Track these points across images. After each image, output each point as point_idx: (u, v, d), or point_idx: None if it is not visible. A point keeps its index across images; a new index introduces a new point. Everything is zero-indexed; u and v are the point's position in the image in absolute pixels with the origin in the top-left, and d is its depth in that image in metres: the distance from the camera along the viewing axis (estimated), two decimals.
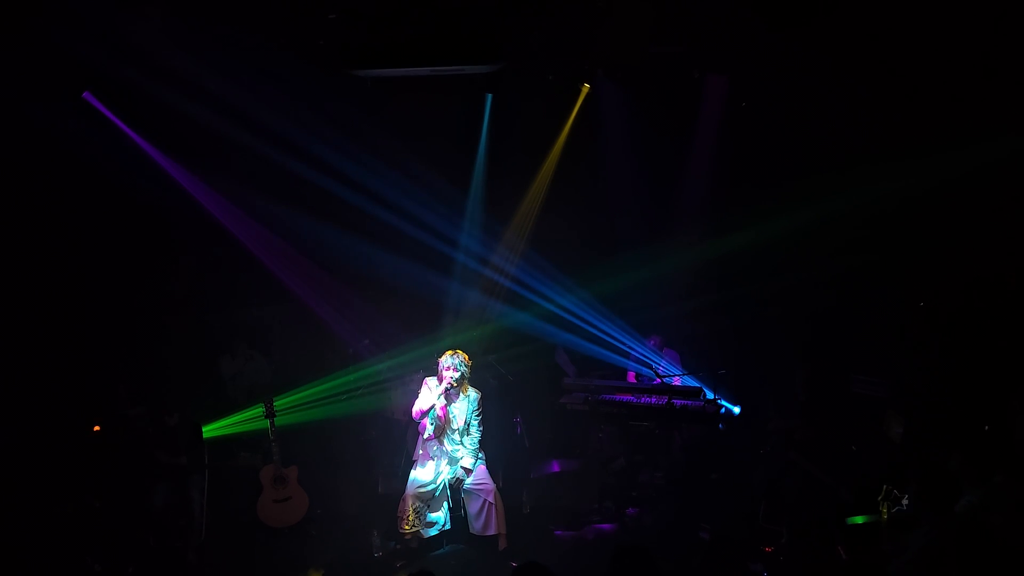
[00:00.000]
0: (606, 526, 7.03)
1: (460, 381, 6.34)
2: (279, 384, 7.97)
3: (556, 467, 8.00)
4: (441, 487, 6.37)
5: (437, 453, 6.39)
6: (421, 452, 6.44)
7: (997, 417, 6.04)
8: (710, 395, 7.13)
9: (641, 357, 8.12)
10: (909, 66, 6.90)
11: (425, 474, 6.34)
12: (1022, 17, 6.19)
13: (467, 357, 6.41)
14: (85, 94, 7.32)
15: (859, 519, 5.41)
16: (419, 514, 6.26)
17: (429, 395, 6.32)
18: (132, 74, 7.15)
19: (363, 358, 8.25)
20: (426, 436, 6.38)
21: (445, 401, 6.35)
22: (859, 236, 7.60)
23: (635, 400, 7.29)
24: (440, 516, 6.39)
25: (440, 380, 6.31)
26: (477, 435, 6.45)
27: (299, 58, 7.28)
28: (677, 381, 7.51)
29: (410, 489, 6.32)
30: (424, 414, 6.31)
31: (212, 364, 8.43)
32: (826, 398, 7.32)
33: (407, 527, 6.25)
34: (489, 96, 8.44)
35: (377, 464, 7.71)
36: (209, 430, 7.17)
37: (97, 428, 7.02)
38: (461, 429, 6.40)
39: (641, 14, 6.75)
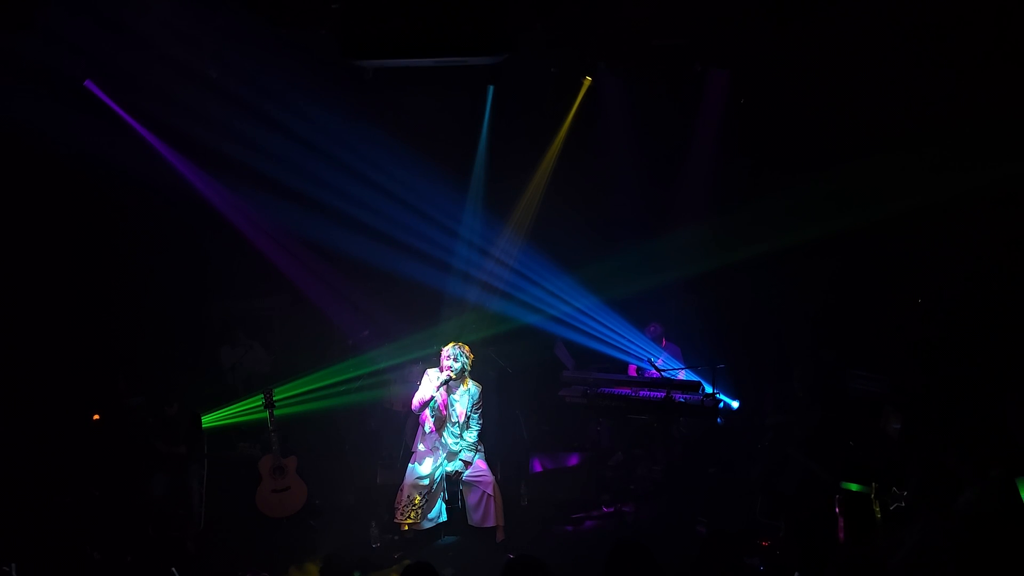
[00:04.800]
0: (603, 519, 7.05)
1: (460, 373, 6.34)
2: (278, 374, 7.98)
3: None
4: (439, 479, 6.39)
5: (436, 446, 6.41)
6: (420, 444, 6.45)
7: (994, 412, 6.05)
8: (709, 389, 7.14)
9: (641, 352, 8.13)
10: (909, 59, 6.90)
11: (424, 466, 6.35)
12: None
13: (469, 349, 6.41)
14: (87, 82, 7.31)
15: (853, 486, 5.44)
16: (417, 506, 6.28)
17: (430, 385, 6.33)
18: (134, 63, 7.14)
19: (363, 349, 8.26)
20: (427, 429, 6.40)
21: (445, 392, 6.36)
22: (860, 231, 7.60)
23: (634, 394, 7.29)
24: (438, 508, 6.41)
25: (442, 368, 6.33)
26: (477, 428, 6.46)
27: (301, 47, 7.26)
28: (681, 375, 7.52)
29: (408, 480, 6.33)
30: (424, 405, 6.32)
31: (212, 354, 8.44)
32: (824, 394, 7.34)
33: (405, 518, 6.26)
34: (491, 88, 8.42)
35: (376, 455, 7.73)
36: (208, 420, 7.20)
37: (97, 417, 7.04)
38: (461, 423, 6.41)
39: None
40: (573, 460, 8.23)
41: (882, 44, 6.84)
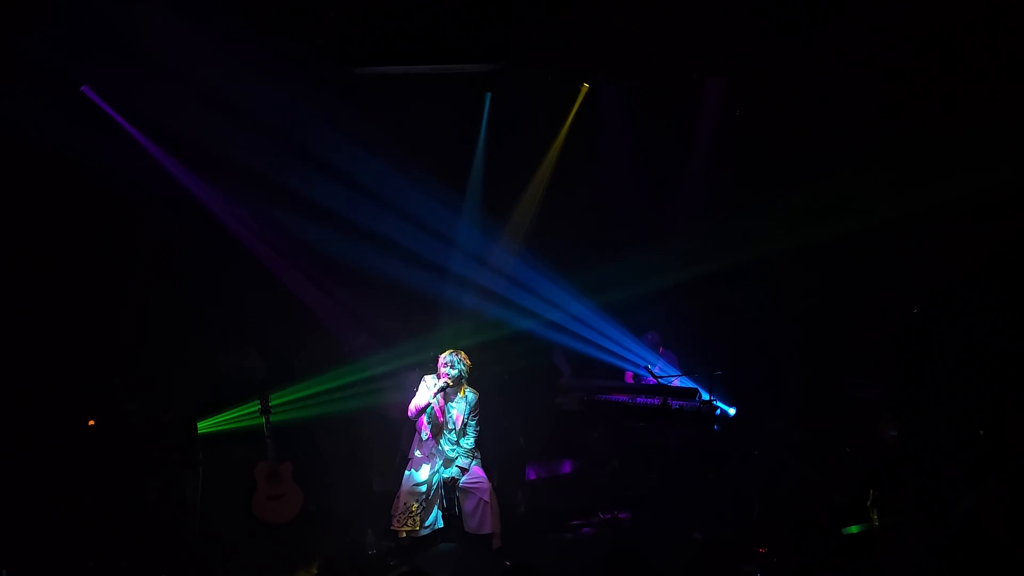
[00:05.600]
0: (600, 526, 7.04)
1: (457, 380, 6.33)
2: (274, 380, 7.94)
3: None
4: (436, 486, 6.37)
5: (433, 452, 6.39)
6: (417, 451, 6.44)
7: (991, 420, 6.06)
8: (705, 396, 7.14)
9: (638, 359, 8.13)
10: (907, 72, 6.95)
11: (420, 473, 6.33)
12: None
13: (466, 357, 6.40)
14: (83, 88, 7.31)
15: (854, 529, 5.43)
16: (413, 513, 6.25)
17: (426, 392, 6.32)
18: (130, 69, 7.15)
19: (359, 355, 8.24)
20: (424, 436, 6.38)
21: (442, 399, 6.35)
22: (858, 239, 7.62)
23: (630, 400, 7.29)
24: (434, 515, 6.39)
25: (439, 378, 6.32)
26: (473, 436, 6.45)
27: (298, 55, 7.27)
28: (676, 382, 7.52)
29: (405, 487, 6.31)
30: (420, 411, 6.31)
31: (207, 359, 8.40)
32: (820, 400, 7.34)
33: (402, 526, 6.24)
34: (488, 95, 8.44)
35: (372, 462, 7.70)
36: (204, 426, 7.16)
37: (92, 423, 7.00)
38: (458, 429, 6.40)
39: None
40: (570, 467, 8.21)
41: (879, 53, 6.89)
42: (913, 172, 7.09)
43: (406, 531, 6.25)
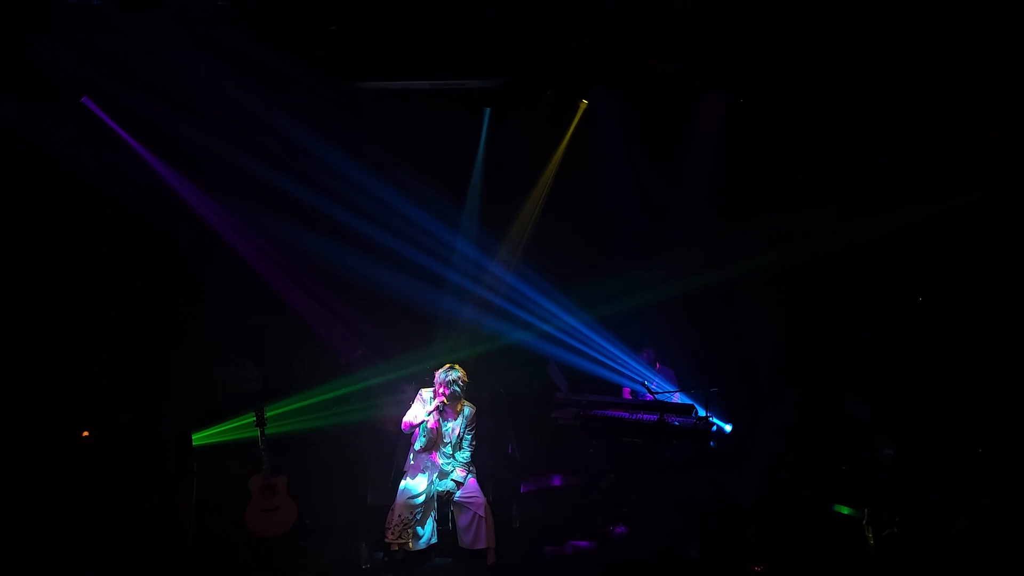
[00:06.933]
0: (596, 542, 7.00)
1: (454, 397, 6.31)
2: (270, 393, 7.93)
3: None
4: (431, 499, 6.34)
5: (427, 465, 6.37)
6: (412, 464, 6.42)
7: (987, 440, 6.07)
8: (702, 412, 7.14)
9: (634, 375, 8.13)
10: (907, 88, 7.00)
11: (415, 485, 6.31)
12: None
13: (464, 372, 6.39)
14: (84, 99, 7.35)
15: (844, 509, 5.45)
16: (407, 526, 6.23)
17: (421, 408, 6.30)
18: (129, 81, 7.19)
19: (355, 368, 8.23)
20: (418, 448, 6.37)
21: (438, 415, 6.33)
22: (855, 254, 7.64)
23: (627, 416, 7.28)
24: (429, 529, 6.36)
25: (436, 394, 6.30)
26: (469, 450, 6.43)
27: (298, 69, 7.31)
28: (676, 398, 7.52)
29: (400, 499, 6.28)
30: (414, 427, 6.29)
31: (203, 371, 8.39)
32: (817, 418, 7.34)
33: (396, 538, 6.21)
34: (488, 110, 8.48)
35: (366, 475, 7.68)
36: (198, 438, 7.13)
37: (86, 434, 6.98)
38: (453, 443, 6.38)
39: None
40: (565, 482, 8.18)
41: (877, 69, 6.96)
42: (912, 184, 7.13)
43: (399, 544, 6.22)
